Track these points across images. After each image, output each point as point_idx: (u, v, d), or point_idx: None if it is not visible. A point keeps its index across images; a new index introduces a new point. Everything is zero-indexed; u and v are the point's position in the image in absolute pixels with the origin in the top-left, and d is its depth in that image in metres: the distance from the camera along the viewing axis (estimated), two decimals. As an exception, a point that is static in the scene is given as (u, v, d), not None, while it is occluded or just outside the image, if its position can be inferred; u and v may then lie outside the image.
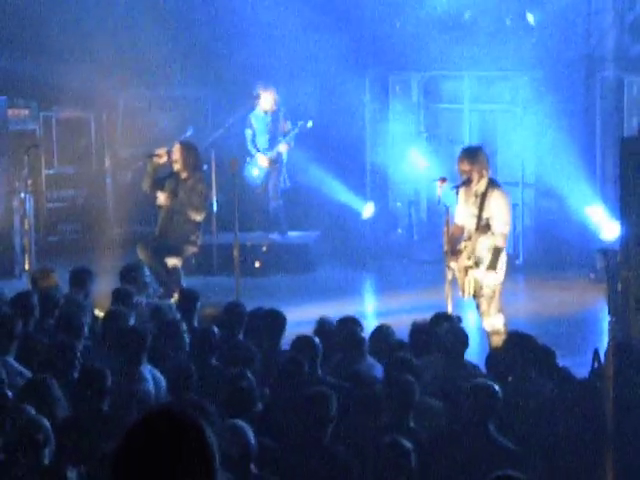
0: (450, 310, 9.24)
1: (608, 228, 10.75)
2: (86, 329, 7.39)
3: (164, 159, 10.70)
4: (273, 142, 12.85)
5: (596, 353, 7.17)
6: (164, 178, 10.86)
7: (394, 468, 5.22)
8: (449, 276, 9.88)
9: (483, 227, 8.64)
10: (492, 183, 8.75)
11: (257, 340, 7.36)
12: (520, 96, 13.28)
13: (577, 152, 11.50)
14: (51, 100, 13.91)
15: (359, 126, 13.72)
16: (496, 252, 8.56)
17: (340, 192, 13.90)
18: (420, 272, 12.99)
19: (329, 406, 5.61)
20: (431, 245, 13.60)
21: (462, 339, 6.95)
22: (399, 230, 14.29)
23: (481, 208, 8.63)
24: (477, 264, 8.68)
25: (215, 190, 12.33)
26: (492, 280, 8.70)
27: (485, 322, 8.86)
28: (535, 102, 12.98)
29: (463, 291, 8.92)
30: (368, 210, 14.12)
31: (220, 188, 12.38)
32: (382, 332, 7.41)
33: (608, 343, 7.15)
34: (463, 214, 8.86)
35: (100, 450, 5.12)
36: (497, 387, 5.71)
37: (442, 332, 7.07)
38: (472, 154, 8.76)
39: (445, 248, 9.34)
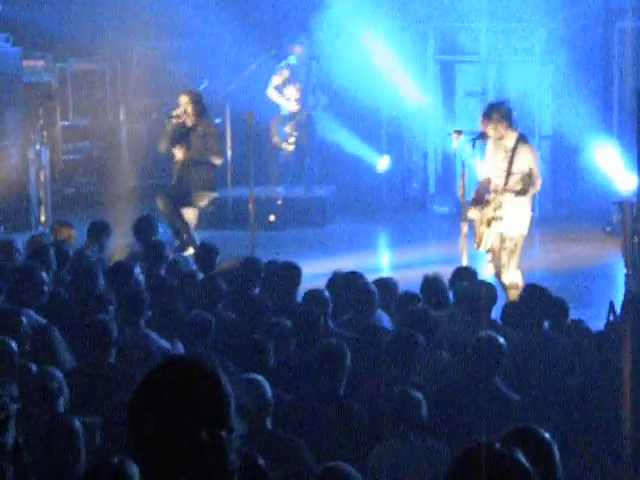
0: (466, 264, 9.23)
1: (625, 180, 10.67)
2: (101, 280, 7.42)
3: (183, 118, 10.67)
4: (306, 93, 12.62)
5: (612, 305, 7.16)
6: (181, 135, 10.82)
7: (405, 418, 5.26)
8: (464, 229, 9.87)
9: (512, 183, 8.71)
10: (521, 139, 8.80)
11: (272, 293, 7.38)
12: (537, 48, 13.15)
13: (594, 104, 11.40)
14: (66, 52, 13.86)
15: (375, 79, 13.62)
16: (525, 186, 8.58)
17: (356, 146, 13.84)
18: (435, 225, 12.98)
19: (343, 358, 5.64)
20: (446, 198, 13.57)
21: (491, 295, 6.91)
22: (414, 184, 14.24)
23: (510, 163, 8.70)
24: (502, 218, 8.72)
25: (230, 143, 12.29)
26: (516, 233, 8.69)
27: (504, 276, 8.86)
28: (552, 53, 12.85)
29: (479, 243, 8.92)
30: (383, 163, 14.07)
31: (235, 141, 12.33)
32: (388, 284, 7.42)
33: (624, 295, 7.15)
34: (492, 168, 8.89)
35: (109, 401, 5.16)
36: (502, 340, 5.73)
37: (467, 286, 7.04)
38: (486, 112, 8.83)
39: (462, 200, 9.41)
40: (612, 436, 5.69)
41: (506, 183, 8.73)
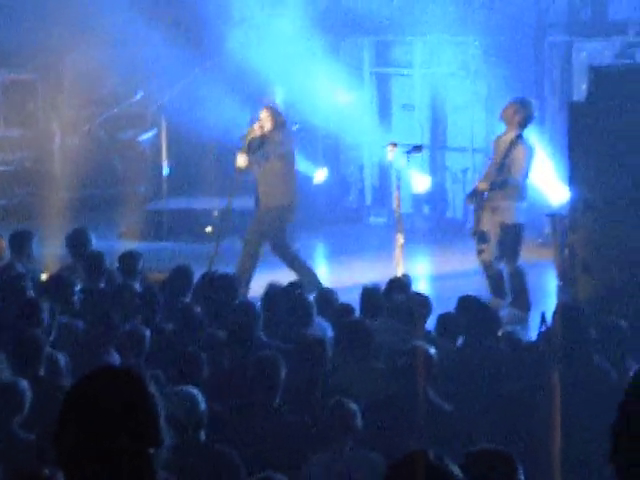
0: (400, 274, 9.30)
1: (557, 193, 10.84)
2: (31, 292, 7.32)
3: (258, 132, 10.33)
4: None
5: (543, 316, 7.26)
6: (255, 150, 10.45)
7: (340, 429, 5.27)
8: (400, 240, 9.96)
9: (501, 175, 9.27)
10: (518, 138, 9.27)
11: (209, 304, 7.35)
12: (471, 62, 13.31)
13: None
14: (-2, 62, 13.70)
15: (311, 92, 13.67)
16: (504, 182, 9.17)
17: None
18: (371, 237, 13.04)
19: (278, 370, 5.64)
20: (382, 210, 13.65)
21: (426, 305, 6.98)
22: (351, 196, 14.31)
23: (505, 156, 9.24)
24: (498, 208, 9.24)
25: (166, 154, 12.22)
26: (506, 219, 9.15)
27: (490, 268, 9.35)
28: (485, 67, 13.02)
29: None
30: (320, 175, 14.12)
31: (170, 152, 12.27)
32: (326, 296, 7.45)
33: (555, 306, 7.25)
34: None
35: (40, 413, 5.09)
36: (433, 350, 5.79)
37: (402, 297, 7.10)
38: (504, 107, 9.41)
39: (397, 211, 9.63)
40: (543, 446, 5.76)
41: (498, 175, 9.30)
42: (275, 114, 10.34)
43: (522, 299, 9.36)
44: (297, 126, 11.91)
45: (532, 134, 10.58)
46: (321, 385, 5.94)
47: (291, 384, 5.84)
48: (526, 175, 9.25)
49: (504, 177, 9.20)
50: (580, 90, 10.94)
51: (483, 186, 9.38)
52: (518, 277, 9.33)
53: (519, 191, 9.24)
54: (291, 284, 7.68)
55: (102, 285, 7.89)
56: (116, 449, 2.17)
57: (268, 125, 10.18)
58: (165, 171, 12.17)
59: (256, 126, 10.33)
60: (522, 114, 9.25)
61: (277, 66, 13.28)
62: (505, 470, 3.47)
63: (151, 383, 2.27)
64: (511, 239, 9.23)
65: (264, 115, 10.32)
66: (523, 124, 9.28)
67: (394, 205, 10.25)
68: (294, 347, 6.30)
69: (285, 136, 10.32)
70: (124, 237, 12.14)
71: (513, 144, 9.23)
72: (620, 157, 7.79)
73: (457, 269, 10.58)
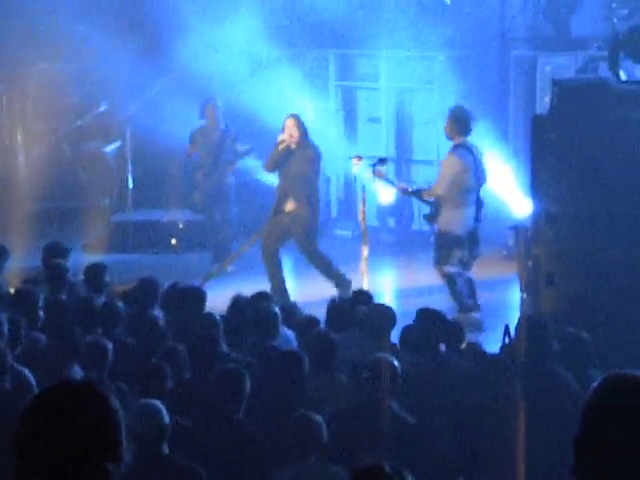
0: (365, 287, 9.33)
1: (520, 205, 10.91)
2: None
3: (288, 142, 10.40)
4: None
5: (507, 328, 7.29)
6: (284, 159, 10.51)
7: (305, 442, 5.26)
8: (365, 253, 9.98)
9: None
10: (453, 148, 9.74)
11: (175, 316, 7.32)
12: (436, 75, 13.39)
13: (491, 130, 11.62)
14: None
15: (277, 105, 13.67)
16: (418, 193, 9.92)
17: (258, 169, 13.85)
18: (337, 249, 13.05)
19: (242, 382, 5.62)
20: (348, 222, 13.67)
21: (390, 317, 7.00)
22: (316, 207, 14.29)
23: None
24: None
25: (130, 167, 12.17)
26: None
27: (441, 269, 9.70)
28: (450, 81, 13.10)
29: None
30: (285, 187, 14.09)
31: (136, 164, 12.22)
32: (290, 309, 7.45)
33: (518, 319, 7.29)
34: None
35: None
36: (396, 363, 5.80)
37: (366, 310, 7.10)
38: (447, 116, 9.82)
39: (362, 224, 9.78)
40: (507, 458, 5.79)
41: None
42: (300, 122, 10.52)
43: (461, 302, 9.67)
44: (247, 147, 11.95)
45: (495, 146, 10.70)
46: (287, 398, 5.93)
47: (256, 397, 5.83)
48: (449, 185, 9.57)
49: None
50: (544, 104, 11.03)
51: (404, 192, 10.15)
52: (450, 284, 9.65)
53: (445, 200, 9.58)
54: (257, 295, 7.67)
55: (64, 297, 7.83)
56: (74, 464, 2.14)
57: (295, 133, 10.36)
58: (130, 183, 12.12)
59: (285, 135, 10.45)
60: (455, 125, 9.62)
61: (242, 78, 13.29)
62: None
63: (112, 397, 2.24)
64: (443, 246, 9.60)
65: (290, 123, 10.45)
66: (461, 133, 9.61)
67: (359, 218, 10.27)
68: (274, 359, 6.28)
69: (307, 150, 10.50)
70: (88, 249, 12.07)
71: (446, 156, 9.80)
72: (582, 170, 7.86)
73: (422, 281, 10.61)
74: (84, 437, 2.17)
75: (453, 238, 9.60)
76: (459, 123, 9.62)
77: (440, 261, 9.67)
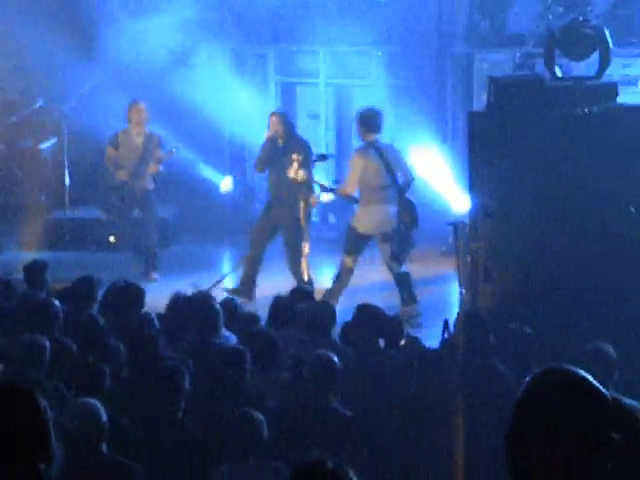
0: (306, 284, 9.35)
1: (458, 201, 10.99)
2: None
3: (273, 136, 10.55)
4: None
5: (446, 324, 7.35)
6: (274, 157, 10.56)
7: (246, 439, 5.26)
8: (306, 250, 10.00)
9: None
10: (358, 147, 10.20)
11: (114, 315, 7.25)
12: (373, 71, 13.44)
13: (429, 126, 11.70)
14: None
15: (217, 100, 13.62)
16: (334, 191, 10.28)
17: (198, 166, 13.78)
18: (278, 246, 13.04)
19: (181, 381, 5.59)
20: (289, 219, 13.66)
21: (330, 314, 7.01)
22: (257, 204, 14.28)
23: None
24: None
25: (67, 163, 12.03)
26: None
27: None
28: (388, 77, 13.16)
29: None
30: (226, 184, 14.07)
31: (73, 161, 12.08)
32: (230, 305, 7.43)
33: (457, 314, 7.36)
34: None
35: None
36: (336, 359, 5.82)
37: (307, 307, 7.11)
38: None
39: (303, 221, 9.87)
40: (446, 453, 5.84)
41: None
42: (283, 118, 10.71)
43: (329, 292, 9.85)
44: (174, 151, 11.87)
45: (433, 143, 10.79)
46: (228, 395, 5.91)
47: (196, 395, 5.80)
48: (356, 182, 9.90)
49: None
50: (481, 100, 11.14)
51: (323, 189, 10.37)
52: (346, 274, 9.98)
53: (357, 197, 9.97)
54: (197, 293, 7.63)
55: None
56: (4, 465, 2.11)
57: (280, 129, 10.51)
58: (67, 180, 11.97)
59: (270, 132, 10.59)
60: (362, 125, 9.96)
61: (181, 74, 13.21)
62: None
63: (39, 397, 2.21)
64: (347, 239, 10.03)
65: (274, 119, 10.61)
66: (370, 132, 9.88)
67: (300, 214, 10.28)
68: (216, 355, 6.25)
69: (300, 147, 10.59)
70: (25, 247, 11.91)
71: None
72: (518, 166, 7.95)
73: (363, 278, 10.64)
74: (12, 438, 2.14)
75: (357, 235, 9.93)
76: (365, 123, 9.93)
77: (345, 250, 10.03)
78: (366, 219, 9.92)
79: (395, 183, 9.93)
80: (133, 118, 11.65)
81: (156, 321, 6.79)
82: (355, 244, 9.97)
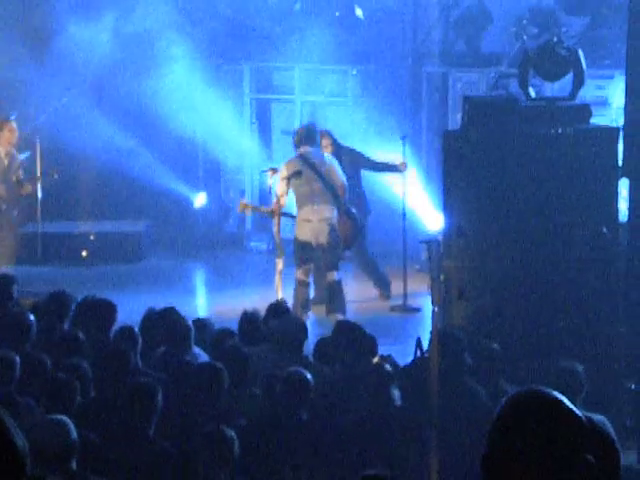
0: (280, 300, 9.31)
1: (432, 220, 11.03)
2: None
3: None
4: None
5: (419, 341, 7.36)
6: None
7: (217, 457, 5.23)
8: (279, 266, 9.98)
9: None
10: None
11: (86, 330, 7.20)
12: (349, 89, 13.49)
13: (404, 145, 11.72)
14: None
15: (191, 116, 13.61)
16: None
17: (172, 181, 13.77)
18: (252, 262, 13.02)
19: (154, 397, 5.56)
20: (263, 235, 13.66)
21: (302, 331, 7.00)
22: (231, 220, 14.27)
23: None
24: None
25: (40, 177, 11.96)
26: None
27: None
28: (363, 96, 13.21)
29: None
30: (200, 200, 14.05)
31: (45, 174, 12.01)
32: (203, 321, 7.40)
33: (431, 332, 7.36)
34: None
35: None
36: (309, 376, 5.81)
37: (279, 324, 7.09)
38: None
39: (277, 237, 9.88)
40: (420, 469, 5.83)
41: None
42: (332, 138, 11.08)
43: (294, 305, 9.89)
44: (56, 174, 11.75)
45: (408, 161, 10.84)
46: (200, 412, 5.88)
47: (168, 412, 5.77)
48: (278, 194, 10.10)
49: None
50: (455, 120, 11.20)
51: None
52: (300, 286, 10.06)
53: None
54: (169, 309, 7.59)
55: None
56: None
57: (329, 149, 10.86)
58: (39, 193, 11.91)
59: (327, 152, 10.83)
60: (296, 137, 10.26)
61: (154, 89, 13.19)
62: None
63: (5, 414, 2.15)
64: (294, 251, 10.11)
65: (325, 142, 10.92)
66: (301, 144, 10.15)
67: (274, 230, 10.28)
68: (191, 372, 6.21)
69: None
70: (-4, 261, 11.82)
71: None
72: (491, 186, 7.99)
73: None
74: None
75: (295, 243, 10.14)
76: (300, 135, 10.19)
77: (296, 264, 10.12)
78: (298, 226, 10.15)
79: (331, 192, 10.08)
80: (5, 137, 11.44)
81: (134, 335, 6.73)
82: (295, 253, 10.13)
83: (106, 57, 13.13)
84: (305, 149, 10.09)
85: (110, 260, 12.60)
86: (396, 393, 5.93)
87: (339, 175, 10.19)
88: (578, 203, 7.90)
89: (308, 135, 10.17)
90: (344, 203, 10.13)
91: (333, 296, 9.99)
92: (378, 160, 11.25)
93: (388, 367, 6.06)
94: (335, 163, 10.31)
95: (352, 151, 11.21)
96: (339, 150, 11.01)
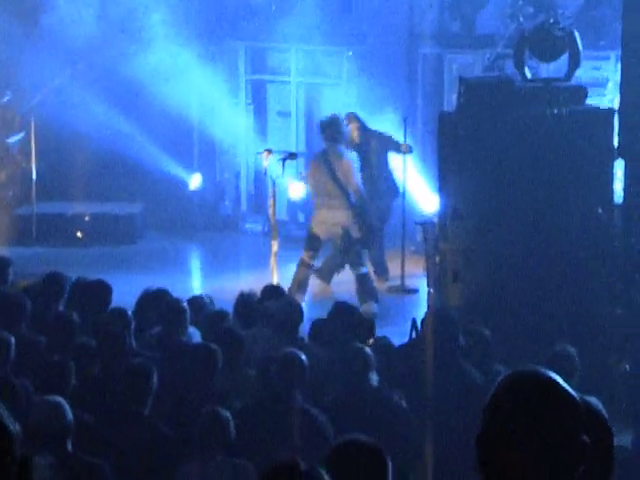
0: (275, 282, 9.33)
1: (428, 201, 11.03)
2: None
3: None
4: None
5: (414, 323, 7.38)
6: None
7: (213, 437, 5.24)
8: (275, 248, 9.97)
9: None
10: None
11: (81, 311, 7.19)
12: (345, 70, 13.45)
13: (399, 126, 11.71)
14: None
15: (187, 98, 13.57)
16: None
17: (167, 163, 13.74)
18: (247, 244, 13.02)
19: (149, 378, 5.56)
20: (258, 217, 13.65)
21: (298, 313, 7.00)
22: (226, 202, 14.26)
23: None
24: None
25: (35, 158, 11.94)
26: None
27: None
28: (359, 76, 13.17)
29: None
30: (195, 181, 14.02)
31: (40, 155, 11.99)
32: (198, 302, 7.40)
33: (425, 313, 7.38)
34: None
35: None
36: (304, 357, 5.82)
37: (275, 305, 7.08)
38: None
39: (272, 218, 9.87)
40: (414, 451, 5.85)
41: None
42: (360, 122, 11.18)
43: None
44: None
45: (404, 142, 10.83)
46: (195, 393, 5.89)
47: (163, 393, 5.77)
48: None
49: None
50: (451, 101, 11.17)
51: None
52: (302, 266, 10.25)
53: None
54: (163, 290, 7.58)
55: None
56: None
57: (356, 134, 11.02)
58: (34, 174, 11.89)
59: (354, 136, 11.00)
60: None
61: (149, 71, 13.14)
62: (373, 464, 3.41)
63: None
64: (306, 236, 10.43)
65: (353, 126, 11.06)
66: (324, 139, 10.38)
67: (269, 212, 10.27)
68: (186, 352, 6.21)
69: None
70: (-9, 242, 11.81)
71: None
72: (487, 167, 7.98)
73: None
74: None
75: (307, 228, 10.43)
76: (324, 129, 10.28)
77: (305, 247, 10.31)
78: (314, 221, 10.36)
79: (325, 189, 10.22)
80: None
81: (127, 316, 6.73)
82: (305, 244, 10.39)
83: (100, 37, 13.07)
84: (329, 145, 10.23)
85: (105, 241, 12.58)
86: (374, 377, 5.94)
87: (355, 178, 10.23)
88: (573, 184, 7.90)
89: (331, 130, 10.23)
90: (359, 206, 10.17)
91: (364, 287, 10.08)
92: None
93: (368, 350, 6.05)
94: (353, 165, 10.29)
95: (380, 135, 11.24)
96: (366, 133, 11.10)
